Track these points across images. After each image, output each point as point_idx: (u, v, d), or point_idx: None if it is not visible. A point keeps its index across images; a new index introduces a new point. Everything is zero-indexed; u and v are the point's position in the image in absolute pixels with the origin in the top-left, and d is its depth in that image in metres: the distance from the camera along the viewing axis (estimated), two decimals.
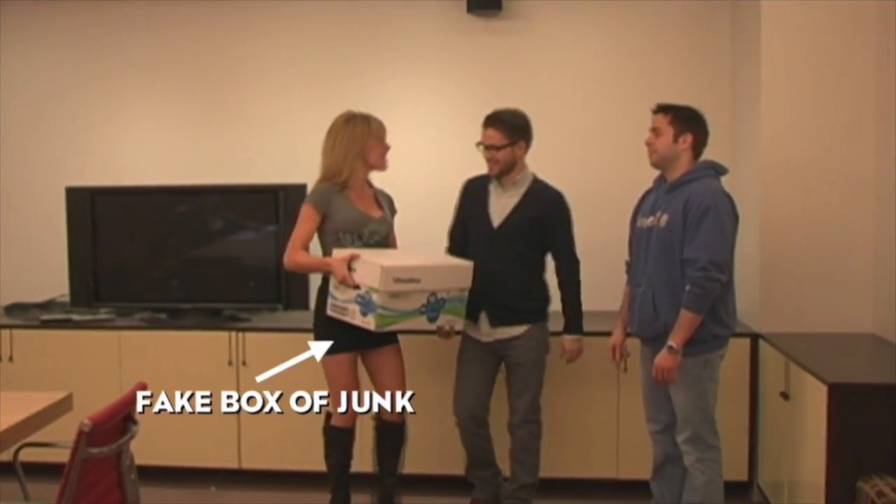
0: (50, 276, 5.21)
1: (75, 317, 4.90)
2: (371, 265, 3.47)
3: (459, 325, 3.81)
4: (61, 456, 2.51)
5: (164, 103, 5.38)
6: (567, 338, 3.97)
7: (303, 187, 4.49)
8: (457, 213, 4.08)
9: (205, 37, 5.30)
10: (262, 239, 4.80)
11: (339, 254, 3.61)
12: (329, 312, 3.67)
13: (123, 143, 5.37)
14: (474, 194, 3.99)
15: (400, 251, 3.91)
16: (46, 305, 5.10)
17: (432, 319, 3.66)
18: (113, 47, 5.36)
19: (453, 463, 4.27)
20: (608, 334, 3.85)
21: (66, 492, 2.46)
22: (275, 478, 4.65)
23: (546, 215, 3.89)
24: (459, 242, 4.03)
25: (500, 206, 3.92)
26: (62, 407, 3.12)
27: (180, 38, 5.31)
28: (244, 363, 4.57)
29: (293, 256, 3.73)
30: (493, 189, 3.96)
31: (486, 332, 3.94)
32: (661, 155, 3.52)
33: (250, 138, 5.26)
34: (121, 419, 2.76)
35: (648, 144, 3.54)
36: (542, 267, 3.97)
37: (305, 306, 4.66)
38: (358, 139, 3.77)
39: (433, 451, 4.41)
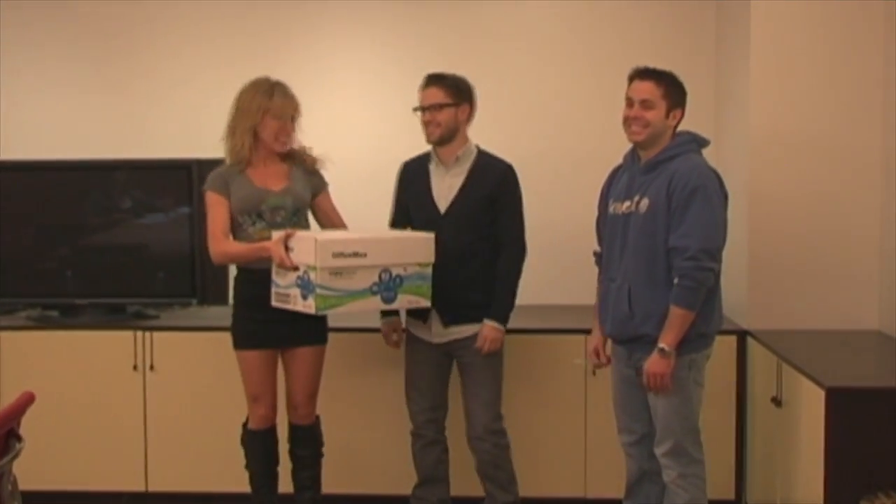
0: None
1: None
2: (306, 240, 3.53)
3: (424, 304, 3.76)
4: None
5: (59, 68, 5.27)
6: (488, 323, 3.81)
7: (220, 162, 4.41)
8: (395, 203, 4.06)
9: None
10: (174, 222, 4.73)
11: (275, 234, 3.66)
12: (273, 303, 3.70)
13: (9, 113, 5.21)
14: (413, 178, 3.95)
15: (349, 230, 3.92)
16: None
17: (388, 300, 3.65)
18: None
19: (397, 482, 4.27)
20: (567, 332, 3.98)
21: None
22: (186, 501, 4.58)
23: (494, 191, 3.84)
24: None
25: (445, 187, 3.88)
26: None
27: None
28: (152, 367, 4.51)
29: (220, 247, 3.76)
30: (434, 169, 3.92)
31: (439, 332, 3.90)
32: (652, 131, 3.41)
33: (160, 107, 5.18)
34: (2, 436, 2.72)
35: (636, 118, 3.42)
36: (496, 254, 3.90)
37: (224, 301, 4.61)
38: (252, 113, 3.76)
39: (374, 468, 4.46)
